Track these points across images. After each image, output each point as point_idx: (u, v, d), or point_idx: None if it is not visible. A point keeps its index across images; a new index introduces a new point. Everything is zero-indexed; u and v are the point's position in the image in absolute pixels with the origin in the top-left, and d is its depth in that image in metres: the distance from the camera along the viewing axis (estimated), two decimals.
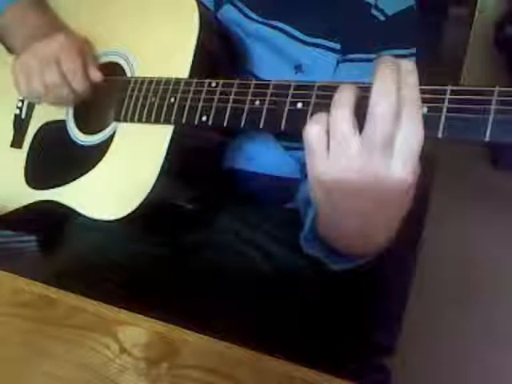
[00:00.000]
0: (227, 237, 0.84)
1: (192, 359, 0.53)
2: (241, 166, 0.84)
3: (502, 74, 2.16)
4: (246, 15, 0.82)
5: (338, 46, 0.78)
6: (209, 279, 0.81)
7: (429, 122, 0.50)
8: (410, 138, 0.48)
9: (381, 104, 0.48)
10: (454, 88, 0.50)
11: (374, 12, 0.78)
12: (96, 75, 0.80)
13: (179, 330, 0.55)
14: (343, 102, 0.50)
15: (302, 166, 0.81)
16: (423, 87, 0.50)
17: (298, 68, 0.79)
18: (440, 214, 1.16)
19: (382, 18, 0.78)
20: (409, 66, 0.49)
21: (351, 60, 0.78)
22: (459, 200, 1.86)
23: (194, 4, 0.74)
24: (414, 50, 0.78)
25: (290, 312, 0.78)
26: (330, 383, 0.49)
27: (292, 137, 0.81)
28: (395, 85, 0.48)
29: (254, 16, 0.81)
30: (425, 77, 0.51)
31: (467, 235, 1.80)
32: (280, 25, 0.79)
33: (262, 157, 0.83)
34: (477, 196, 1.93)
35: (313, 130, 0.51)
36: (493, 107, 0.48)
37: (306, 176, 0.78)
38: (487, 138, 0.48)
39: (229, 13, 0.83)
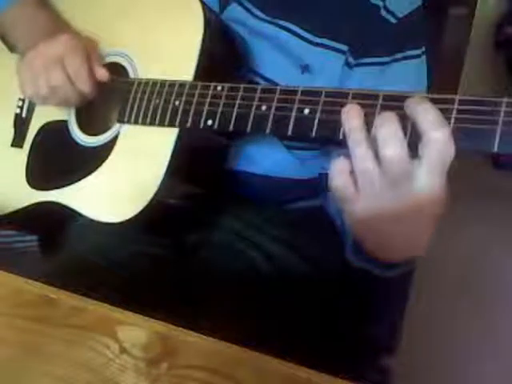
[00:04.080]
0: (227, 237, 0.84)
1: (192, 359, 0.52)
2: (242, 167, 0.84)
3: (502, 74, 2.16)
4: (252, 14, 0.81)
5: (344, 48, 0.78)
6: (209, 279, 0.81)
7: None
8: (437, 156, 0.50)
9: (389, 148, 0.50)
10: (462, 98, 0.51)
11: (384, 14, 0.77)
12: (102, 74, 0.79)
13: (179, 330, 0.55)
14: (359, 139, 0.52)
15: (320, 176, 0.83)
16: (431, 96, 0.51)
17: (304, 68, 0.79)
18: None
19: (393, 21, 0.77)
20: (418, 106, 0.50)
21: (365, 64, 0.78)
22: (459, 200, 1.86)
23: (199, 5, 0.74)
24: (424, 49, 0.78)
25: (290, 312, 0.78)
26: (330, 383, 0.49)
27: (298, 140, 0.81)
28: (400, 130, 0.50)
29: (260, 15, 0.81)
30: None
31: (467, 235, 1.79)
32: (286, 24, 0.79)
33: (263, 158, 0.83)
34: (477, 196, 1.93)
35: (338, 181, 0.53)
36: (501, 118, 0.48)
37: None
38: (495, 149, 0.49)
39: (235, 12, 0.82)
